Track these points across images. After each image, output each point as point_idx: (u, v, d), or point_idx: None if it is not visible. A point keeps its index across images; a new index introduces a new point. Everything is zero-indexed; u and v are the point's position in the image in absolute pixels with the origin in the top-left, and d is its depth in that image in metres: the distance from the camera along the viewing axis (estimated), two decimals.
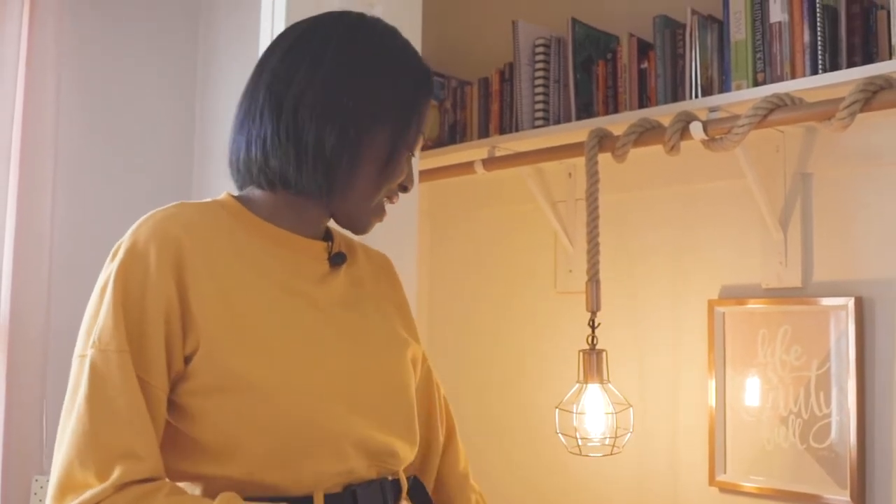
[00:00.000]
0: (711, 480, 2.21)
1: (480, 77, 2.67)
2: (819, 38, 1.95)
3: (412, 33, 2.03)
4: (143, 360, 1.08)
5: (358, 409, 1.18)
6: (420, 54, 1.31)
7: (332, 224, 1.31)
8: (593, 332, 2.07)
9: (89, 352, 1.09)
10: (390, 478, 1.23)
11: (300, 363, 1.15)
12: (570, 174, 2.55)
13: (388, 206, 1.29)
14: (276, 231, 1.22)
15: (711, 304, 2.25)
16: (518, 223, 2.68)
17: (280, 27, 1.75)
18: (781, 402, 2.12)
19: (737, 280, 2.24)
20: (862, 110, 1.75)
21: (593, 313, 2.08)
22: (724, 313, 2.23)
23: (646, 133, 2.07)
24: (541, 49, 2.46)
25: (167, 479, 1.09)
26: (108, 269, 1.14)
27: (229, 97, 2.72)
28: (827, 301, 2.06)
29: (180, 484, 1.11)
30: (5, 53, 2.35)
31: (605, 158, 2.16)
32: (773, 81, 2.01)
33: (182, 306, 1.10)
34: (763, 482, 2.13)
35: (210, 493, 1.10)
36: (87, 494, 1.02)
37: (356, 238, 1.35)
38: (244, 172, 1.23)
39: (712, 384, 2.22)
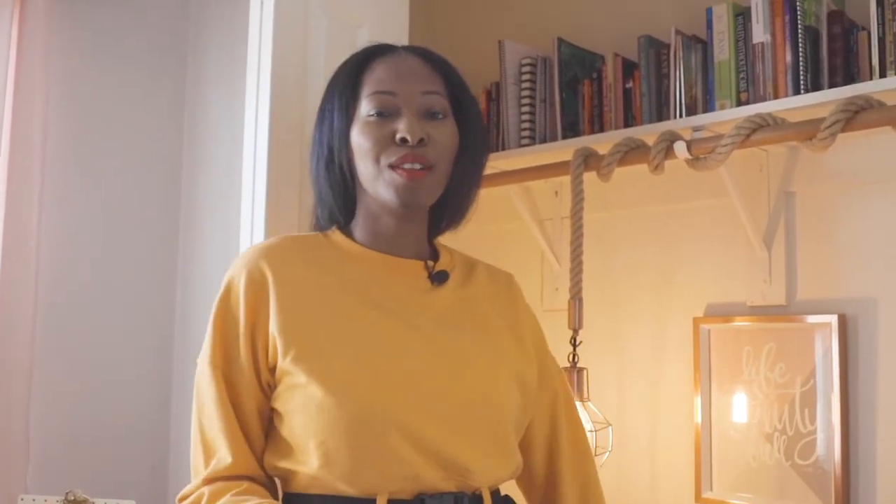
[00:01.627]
0: (698, 497, 2.21)
1: None
2: (801, 58, 1.97)
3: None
4: (234, 375, 1.28)
5: (436, 421, 1.24)
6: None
7: (449, 244, 1.46)
8: (574, 349, 2.08)
9: (197, 366, 1.33)
10: (470, 492, 1.27)
11: (378, 372, 1.24)
12: (556, 192, 2.57)
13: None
14: (371, 255, 1.35)
15: (697, 322, 2.26)
16: (505, 241, 2.69)
17: (267, 47, 1.76)
18: (766, 419, 2.13)
19: (722, 298, 2.26)
20: (843, 130, 1.77)
21: (575, 331, 2.08)
22: (709, 331, 2.25)
23: (631, 152, 2.09)
24: (527, 69, 2.48)
25: (253, 478, 1.27)
26: (216, 300, 1.34)
27: (217, 114, 2.74)
28: (811, 319, 2.07)
29: (275, 476, 1.30)
30: None
31: (590, 177, 2.17)
32: (756, 101, 2.04)
33: (262, 328, 1.28)
34: (749, 499, 2.14)
35: (291, 486, 1.27)
36: (189, 486, 1.28)
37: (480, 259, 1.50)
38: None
39: (698, 401, 2.23)
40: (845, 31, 1.99)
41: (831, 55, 1.99)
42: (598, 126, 2.36)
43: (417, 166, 1.28)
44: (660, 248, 2.39)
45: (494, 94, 2.59)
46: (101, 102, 2.70)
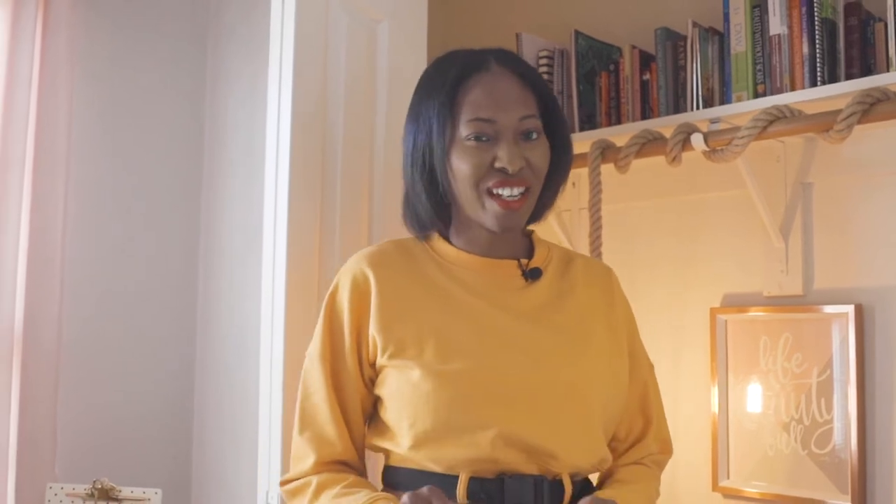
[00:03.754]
0: (714, 486, 2.23)
1: None
2: (818, 50, 1.98)
3: (418, 46, 2.07)
4: (339, 369, 1.43)
5: (520, 409, 1.34)
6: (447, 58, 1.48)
7: (546, 241, 1.55)
8: None
9: (306, 360, 1.47)
10: (551, 477, 1.35)
11: (467, 363, 1.35)
12: (573, 184, 2.58)
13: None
14: (468, 258, 1.46)
15: (714, 312, 2.28)
16: None
17: (289, 41, 1.78)
18: (783, 408, 2.14)
19: (739, 288, 2.27)
20: (860, 122, 1.78)
21: None
22: (726, 321, 2.26)
23: (648, 144, 2.10)
24: (544, 61, 2.49)
25: (353, 465, 1.44)
26: (326, 298, 1.48)
27: (237, 108, 2.76)
28: (828, 309, 2.09)
29: (375, 453, 1.46)
30: (19, 69, 2.38)
31: (607, 169, 2.19)
32: (773, 93, 2.05)
33: (364, 328, 1.42)
34: (765, 488, 2.16)
35: (388, 461, 1.43)
36: (294, 471, 1.44)
37: (578, 253, 1.60)
38: None
39: (715, 391, 2.25)
40: (862, 22, 1.99)
41: (848, 47, 2.00)
42: (616, 118, 2.38)
43: (516, 193, 1.37)
44: (677, 238, 2.40)
45: None
46: (124, 98, 2.73)
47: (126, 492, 2.15)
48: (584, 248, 2.39)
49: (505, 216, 1.37)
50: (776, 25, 2.06)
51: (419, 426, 1.34)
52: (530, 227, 1.55)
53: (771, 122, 1.90)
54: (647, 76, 2.34)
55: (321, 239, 1.83)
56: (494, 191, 1.36)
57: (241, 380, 2.58)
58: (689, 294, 2.36)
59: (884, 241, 2.04)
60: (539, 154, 1.40)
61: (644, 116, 2.32)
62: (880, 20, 1.96)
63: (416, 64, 2.05)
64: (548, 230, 2.59)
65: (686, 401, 2.34)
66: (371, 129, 1.96)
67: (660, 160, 2.11)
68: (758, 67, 2.09)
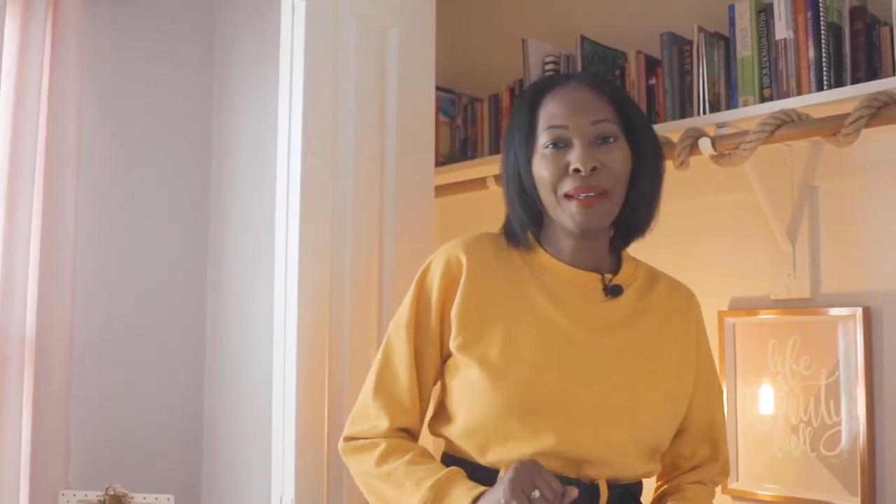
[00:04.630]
0: (724, 488, 2.24)
1: (491, 94, 2.72)
2: (824, 54, 1.99)
3: (426, 52, 2.09)
4: (422, 342, 1.50)
5: (567, 422, 1.39)
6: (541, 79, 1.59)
7: (636, 260, 1.60)
8: None
9: (391, 327, 1.54)
10: (588, 481, 1.41)
11: (526, 370, 1.40)
12: None
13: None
14: (555, 264, 1.50)
15: (721, 315, 2.29)
16: None
17: (299, 49, 1.80)
18: (792, 410, 2.15)
19: (746, 292, 2.28)
20: (867, 126, 1.79)
21: None
22: (734, 324, 2.27)
23: None
24: (550, 66, 2.51)
25: (415, 434, 1.53)
26: (418, 273, 1.55)
27: (245, 109, 2.78)
28: (835, 311, 2.10)
29: (438, 437, 1.53)
30: (29, 75, 2.40)
31: None
32: (779, 97, 2.06)
33: (447, 309, 1.48)
34: (775, 490, 2.16)
35: (446, 448, 1.51)
36: (356, 428, 1.52)
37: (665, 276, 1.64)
38: None
39: (723, 394, 2.25)
40: (868, 26, 2.01)
41: (854, 51, 2.01)
42: None
43: (592, 193, 1.40)
44: (684, 242, 2.41)
45: (518, 91, 2.62)
46: (133, 102, 2.74)
47: (139, 498, 2.16)
48: None
49: (582, 214, 1.41)
50: (782, 30, 2.07)
51: (470, 421, 1.42)
52: (626, 250, 1.60)
53: (779, 126, 1.92)
54: (652, 81, 2.35)
55: (332, 244, 1.84)
56: (571, 194, 1.41)
57: (250, 384, 2.59)
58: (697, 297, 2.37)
59: (890, 243, 2.05)
60: (615, 157, 1.44)
61: (650, 121, 2.33)
62: (886, 24, 1.98)
63: (425, 69, 2.07)
64: None
65: None
66: (381, 132, 1.98)
67: (666, 164, 2.12)
68: (764, 72, 2.10)
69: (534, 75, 2.53)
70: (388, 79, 1.99)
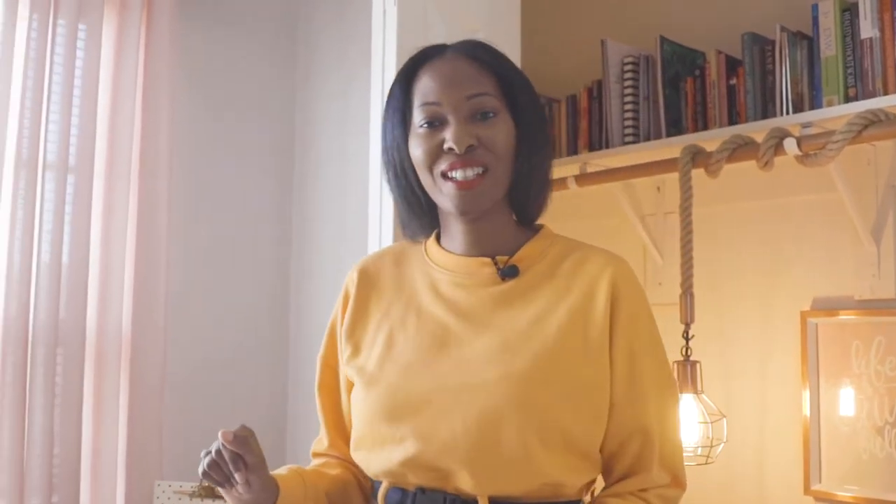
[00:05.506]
0: (807, 489, 2.23)
1: (568, 94, 2.74)
2: None
3: (512, 53, 2.10)
4: (328, 370, 1.45)
5: (435, 424, 1.24)
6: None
7: (559, 237, 1.42)
8: (687, 343, 2.12)
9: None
10: (464, 497, 1.24)
11: (396, 371, 1.31)
12: (658, 188, 2.60)
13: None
14: (448, 257, 1.38)
15: (804, 316, 2.28)
16: (607, 237, 2.72)
17: (391, 54, 1.85)
18: (877, 412, 2.14)
19: (829, 292, 2.27)
20: None
21: (687, 325, 2.12)
22: (816, 325, 2.26)
23: (739, 149, 2.12)
24: (629, 67, 2.52)
25: (336, 456, 1.46)
26: None
27: (328, 106, 2.84)
28: None
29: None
30: (124, 78, 2.50)
31: (694, 172, 2.21)
32: (865, 97, 2.05)
33: (340, 327, 1.41)
34: (858, 491, 2.15)
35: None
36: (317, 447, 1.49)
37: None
38: None
39: (806, 395, 2.25)
40: None
41: None
42: (703, 123, 2.39)
43: (470, 173, 1.28)
44: (766, 242, 2.41)
45: (596, 93, 2.64)
46: (220, 100, 2.84)
47: None
48: (671, 253, 2.41)
49: (461, 197, 1.28)
50: (867, 29, 2.06)
51: (354, 434, 1.34)
52: (540, 222, 1.43)
53: (866, 126, 1.91)
54: (733, 81, 2.35)
55: None
56: (448, 174, 1.28)
57: None
58: (778, 298, 2.37)
59: None
60: (495, 132, 1.29)
61: (731, 121, 2.33)
62: None
63: None
64: (632, 235, 2.62)
65: (777, 404, 2.34)
66: None
67: (747, 164, 2.13)
68: (849, 71, 2.09)
69: (613, 76, 2.55)
70: None
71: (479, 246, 1.36)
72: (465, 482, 1.23)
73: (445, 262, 1.37)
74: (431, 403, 1.25)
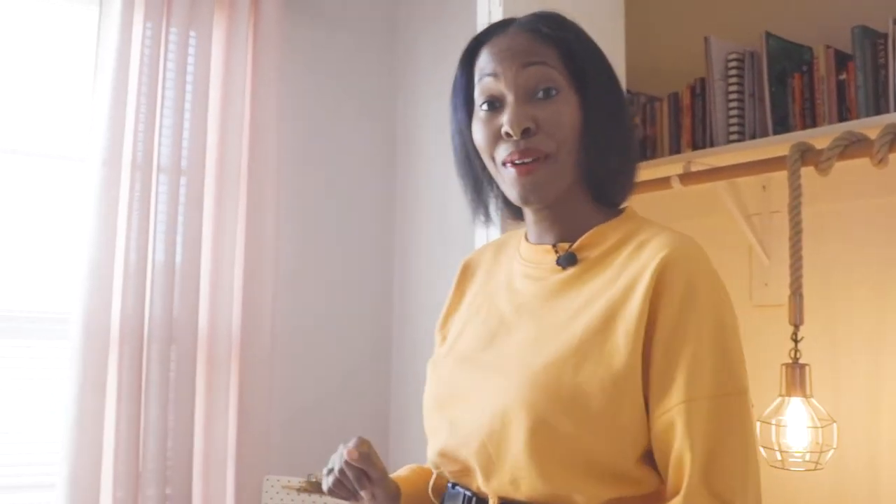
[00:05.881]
0: None
1: (670, 92, 2.71)
2: None
3: (617, 52, 2.11)
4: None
5: (464, 418, 1.18)
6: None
7: (638, 220, 1.24)
8: (796, 345, 2.07)
9: None
10: (481, 496, 1.17)
11: (449, 364, 1.26)
12: (764, 187, 2.55)
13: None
14: (524, 245, 1.28)
15: None
16: (710, 236, 2.67)
17: None
18: None
19: None
20: None
21: (796, 327, 2.08)
22: None
23: (851, 146, 2.06)
24: (734, 63, 2.48)
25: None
26: None
27: (428, 108, 2.87)
28: None
29: None
30: (233, 84, 2.58)
31: (803, 171, 2.16)
32: None
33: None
34: None
35: None
36: None
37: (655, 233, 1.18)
38: None
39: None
40: None
41: None
42: (811, 120, 2.34)
43: (528, 160, 1.16)
44: (879, 240, 2.34)
45: (699, 90, 2.60)
46: (324, 102, 2.90)
47: None
48: (778, 253, 2.36)
49: (521, 184, 1.17)
50: None
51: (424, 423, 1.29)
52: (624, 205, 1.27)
53: None
54: (843, 76, 2.29)
55: None
56: (506, 161, 1.18)
57: None
58: (892, 298, 2.30)
59: None
60: (557, 112, 1.16)
61: (841, 118, 2.27)
62: None
63: (615, 65, 2.09)
64: (737, 235, 2.57)
65: (890, 410, 2.27)
66: None
67: (857, 161, 2.07)
68: None
69: (717, 73, 2.51)
70: None
71: (550, 233, 1.25)
72: (478, 479, 1.16)
73: (523, 252, 1.28)
74: (467, 397, 1.19)
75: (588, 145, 1.19)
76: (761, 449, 2.12)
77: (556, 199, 1.20)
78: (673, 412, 1.07)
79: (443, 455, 1.21)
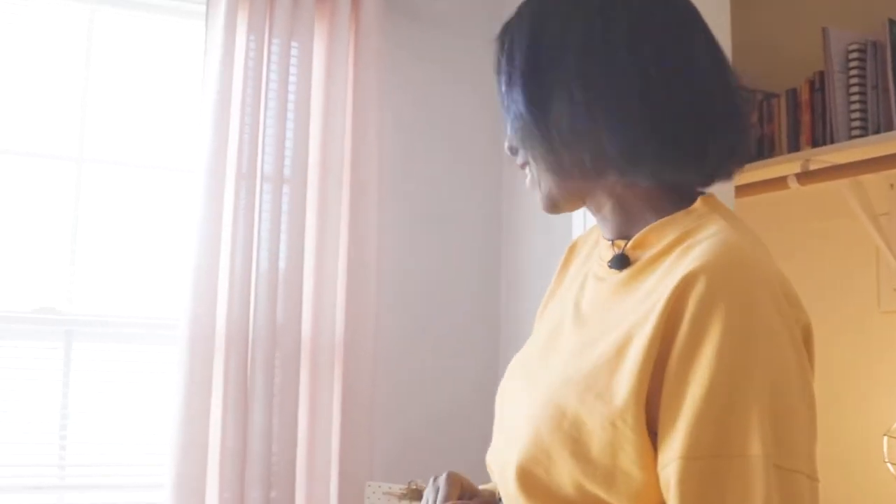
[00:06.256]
0: None
1: (788, 88, 2.58)
2: None
3: (722, 43, 2.01)
4: None
5: (500, 432, 1.14)
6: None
7: (705, 217, 0.99)
8: None
9: None
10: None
11: (512, 366, 1.19)
12: (892, 185, 2.40)
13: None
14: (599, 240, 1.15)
15: None
16: (832, 239, 2.55)
17: None
18: None
19: None
20: None
21: None
22: None
23: None
24: (855, 55, 2.34)
25: None
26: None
27: None
28: None
29: None
30: (334, 93, 2.59)
31: None
32: None
33: None
34: None
35: None
36: None
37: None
38: None
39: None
40: None
41: None
42: None
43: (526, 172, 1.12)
44: None
45: (819, 84, 2.46)
46: (425, 109, 2.87)
47: None
48: None
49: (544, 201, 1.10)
50: None
51: None
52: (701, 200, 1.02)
53: None
54: None
55: None
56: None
57: None
58: None
59: None
60: (511, 112, 1.06)
61: None
62: None
63: None
64: (862, 237, 2.42)
65: None
66: None
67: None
68: None
69: (837, 65, 2.38)
70: None
71: (610, 229, 1.08)
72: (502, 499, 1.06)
73: (601, 242, 1.13)
74: (502, 413, 1.15)
75: (549, 128, 1.02)
76: (890, 466, 1.97)
77: (579, 200, 1.08)
78: (669, 469, 0.87)
79: (488, 460, 1.16)
